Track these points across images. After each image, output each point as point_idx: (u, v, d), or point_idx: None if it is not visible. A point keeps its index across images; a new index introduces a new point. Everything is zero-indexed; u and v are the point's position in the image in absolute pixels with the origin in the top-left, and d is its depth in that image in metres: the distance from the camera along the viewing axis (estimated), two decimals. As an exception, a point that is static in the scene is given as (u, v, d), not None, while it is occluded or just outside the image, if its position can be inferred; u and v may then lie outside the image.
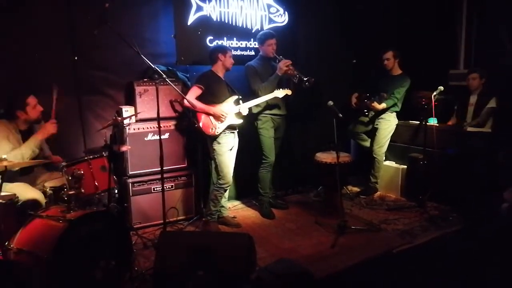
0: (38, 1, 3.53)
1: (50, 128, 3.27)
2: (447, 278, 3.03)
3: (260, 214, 4.39)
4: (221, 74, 3.91)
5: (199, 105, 3.74)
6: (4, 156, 2.90)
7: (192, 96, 3.74)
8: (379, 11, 5.37)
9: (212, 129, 3.78)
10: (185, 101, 3.63)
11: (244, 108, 3.89)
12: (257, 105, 4.10)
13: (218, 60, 3.85)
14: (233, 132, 3.94)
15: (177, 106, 4.02)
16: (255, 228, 4.03)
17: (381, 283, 3.04)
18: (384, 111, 4.73)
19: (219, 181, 3.89)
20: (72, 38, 3.67)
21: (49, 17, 3.58)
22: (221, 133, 3.81)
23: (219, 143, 3.84)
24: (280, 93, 4.02)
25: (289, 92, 4.06)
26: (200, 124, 3.77)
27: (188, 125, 3.98)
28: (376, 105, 4.63)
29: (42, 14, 3.55)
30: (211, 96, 3.82)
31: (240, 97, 3.95)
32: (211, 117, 3.78)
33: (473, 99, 4.70)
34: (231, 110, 3.85)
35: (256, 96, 4.07)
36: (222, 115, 3.76)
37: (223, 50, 3.88)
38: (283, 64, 4.01)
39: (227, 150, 3.87)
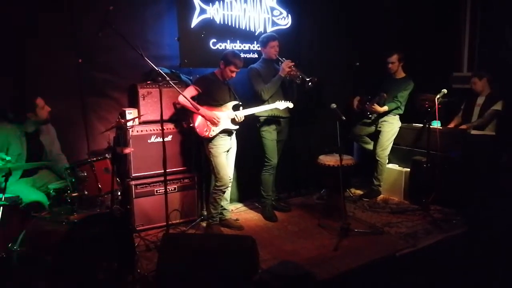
0: (42, 3, 3.54)
1: None
2: (450, 281, 3.02)
3: (263, 216, 4.38)
4: (221, 78, 3.91)
5: (192, 104, 3.70)
6: (8, 158, 2.92)
7: (186, 95, 3.71)
8: (382, 13, 5.36)
9: (206, 131, 3.78)
10: (179, 97, 3.62)
11: (240, 115, 3.86)
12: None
13: (219, 66, 3.86)
14: (229, 135, 3.93)
15: (180, 108, 4.02)
16: (258, 231, 4.02)
17: (384, 286, 3.03)
18: (387, 113, 4.72)
19: (216, 183, 3.88)
20: (76, 40, 3.69)
21: (53, 19, 3.60)
22: (215, 136, 3.81)
23: (214, 145, 3.83)
24: (281, 104, 4.01)
25: (290, 105, 4.05)
26: (196, 125, 3.76)
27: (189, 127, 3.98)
28: (376, 107, 4.62)
29: (46, 16, 3.57)
30: (210, 99, 3.82)
31: (240, 103, 3.94)
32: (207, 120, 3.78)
33: (480, 100, 4.71)
34: (228, 115, 3.85)
35: (259, 98, 4.07)
36: (215, 119, 3.75)
37: (227, 62, 3.77)
38: (286, 65, 4.02)
39: (223, 152, 3.87)
